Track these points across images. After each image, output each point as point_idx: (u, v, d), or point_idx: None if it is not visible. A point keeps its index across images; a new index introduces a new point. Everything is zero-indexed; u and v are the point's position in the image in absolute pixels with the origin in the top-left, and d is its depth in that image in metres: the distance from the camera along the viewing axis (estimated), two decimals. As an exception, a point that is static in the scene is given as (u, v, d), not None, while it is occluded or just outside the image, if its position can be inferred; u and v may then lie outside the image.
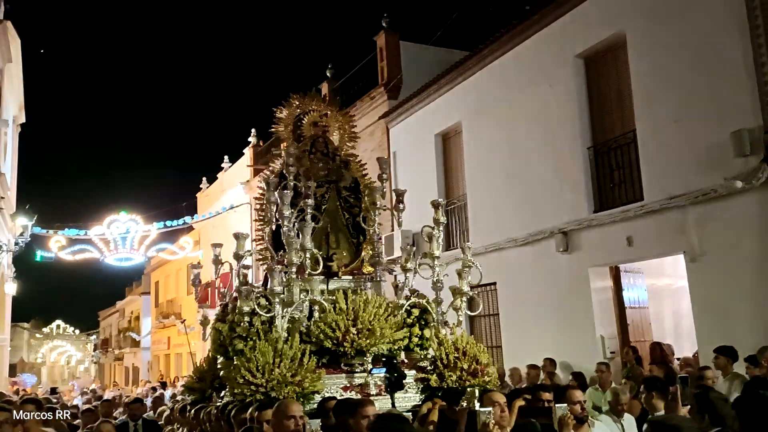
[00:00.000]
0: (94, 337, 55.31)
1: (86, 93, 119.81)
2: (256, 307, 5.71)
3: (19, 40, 16.06)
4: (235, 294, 6.20)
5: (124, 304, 43.64)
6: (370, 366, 5.71)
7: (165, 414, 8.11)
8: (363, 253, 6.73)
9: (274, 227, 6.61)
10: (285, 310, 5.72)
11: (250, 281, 6.63)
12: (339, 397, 5.21)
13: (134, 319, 40.26)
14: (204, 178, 26.78)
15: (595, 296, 10.17)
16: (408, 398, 5.77)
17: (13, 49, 15.65)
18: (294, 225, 6.11)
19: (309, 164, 6.94)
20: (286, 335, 5.59)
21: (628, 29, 9.64)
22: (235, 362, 5.48)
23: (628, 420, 5.75)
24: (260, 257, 6.96)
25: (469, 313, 6.54)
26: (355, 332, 5.61)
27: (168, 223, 21.34)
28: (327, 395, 5.36)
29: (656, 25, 9.21)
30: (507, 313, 11.79)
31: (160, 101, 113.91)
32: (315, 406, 5.20)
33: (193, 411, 6.12)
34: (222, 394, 6.11)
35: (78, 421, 8.94)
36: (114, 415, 9.71)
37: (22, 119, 19.95)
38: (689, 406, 4.38)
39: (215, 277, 8.99)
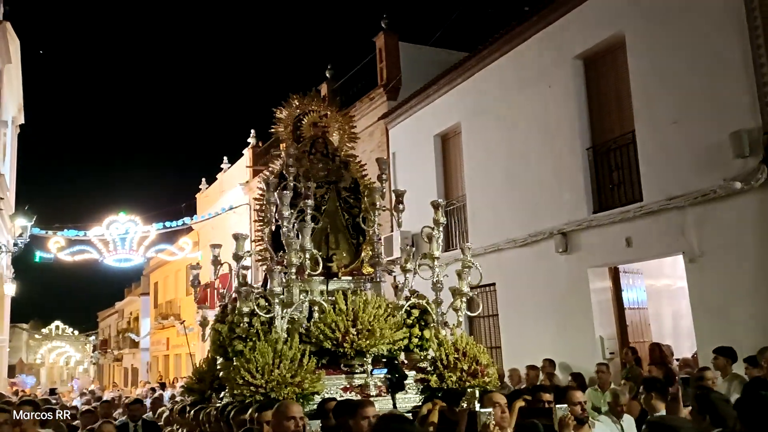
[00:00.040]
0: (93, 338, 55.24)
1: (85, 94, 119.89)
2: (255, 307, 5.70)
3: (18, 41, 16.08)
4: (234, 295, 6.18)
5: (123, 305, 43.60)
6: (370, 367, 5.70)
7: (164, 415, 8.11)
8: (362, 254, 6.71)
9: (273, 228, 6.60)
10: (284, 311, 5.70)
11: (249, 282, 6.62)
12: (339, 398, 5.21)
13: (133, 320, 40.24)
14: (203, 179, 26.84)
15: (594, 297, 10.16)
16: (408, 399, 5.76)
17: (12, 50, 15.67)
18: (294, 226, 6.10)
19: (308, 165, 6.93)
20: (285, 336, 5.58)
21: (627, 30, 9.64)
22: (234, 363, 5.46)
23: (628, 421, 5.76)
24: (260, 258, 6.95)
25: (468, 313, 6.51)
26: (355, 333, 5.60)
27: (167, 223, 21.34)
28: (327, 396, 5.35)
29: (655, 26, 9.21)
30: (506, 313, 11.79)
31: (160, 102, 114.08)
32: (315, 407, 5.19)
33: (192, 412, 6.11)
34: (221, 395, 6.10)
35: (77, 422, 8.92)
36: (113, 415, 9.71)
37: (21, 120, 19.97)
38: (690, 407, 4.38)
39: (214, 278, 9.00)
